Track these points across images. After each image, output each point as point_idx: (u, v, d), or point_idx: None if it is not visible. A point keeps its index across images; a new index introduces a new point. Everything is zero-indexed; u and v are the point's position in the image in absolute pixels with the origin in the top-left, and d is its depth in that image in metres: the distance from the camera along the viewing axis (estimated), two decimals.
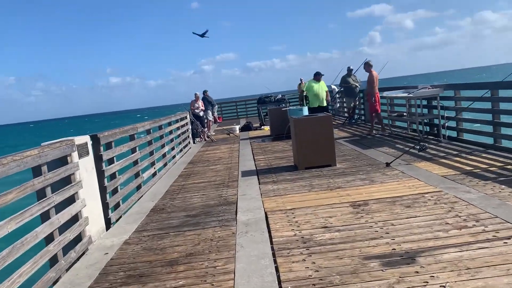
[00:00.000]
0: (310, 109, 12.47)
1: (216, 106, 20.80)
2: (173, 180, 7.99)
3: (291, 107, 13.12)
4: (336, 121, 16.47)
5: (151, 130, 8.50)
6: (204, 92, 18.28)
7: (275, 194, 5.96)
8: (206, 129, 18.24)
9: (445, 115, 8.85)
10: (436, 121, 9.37)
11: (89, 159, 5.19)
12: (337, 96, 18.37)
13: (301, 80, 23.02)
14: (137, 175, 7.13)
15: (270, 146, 11.38)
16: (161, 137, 9.61)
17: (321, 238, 4.05)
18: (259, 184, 6.75)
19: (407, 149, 7.84)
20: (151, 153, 8.32)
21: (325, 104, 12.65)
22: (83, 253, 4.49)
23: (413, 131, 10.64)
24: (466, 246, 3.51)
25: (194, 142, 14.62)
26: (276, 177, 7.10)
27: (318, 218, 4.67)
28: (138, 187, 7.08)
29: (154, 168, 8.19)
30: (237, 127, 17.14)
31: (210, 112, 18.10)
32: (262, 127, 17.07)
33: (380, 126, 11.29)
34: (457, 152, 7.44)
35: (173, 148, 10.69)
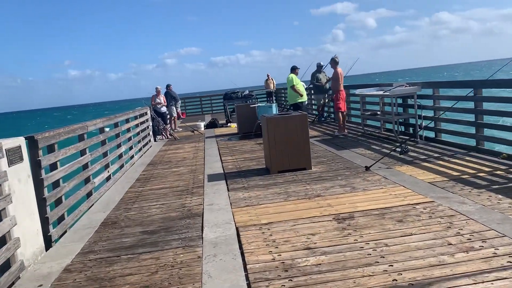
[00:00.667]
0: (295, 105, 11.84)
1: (180, 102, 19.81)
2: (129, 185, 7.13)
3: (260, 104, 12.44)
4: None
5: (105, 128, 7.57)
6: (167, 86, 17.28)
7: (247, 203, 5.25)
8: (169, 126, 17.29)
9: (423, 114, 8.41)
10: (412, 121, 8.94)
11: (24, 166, 4.28)
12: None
13: (268, 76, 22.38)
14: (87, 180, 6.23)
15: (238, 146, 10.65)
16: (117, 135, 8.68)
17: (306, 264, 3.37)
18: (228, 191, 6.02)
19: (387, 151, 7.32)
20: (105, 155, 7.41)
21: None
22: (12, 285, 3.62)
23: (387, 130, 10.21)
24: (480, 276, 2.93)
25: (155, 140, 13.68)
26: (247, 182, 6.39)
27: (299, 235, 4.00)
28: (89, 195, 6.18)
29: (108, 172, 7.28)
30: (202, 124, 16.30)
31: (174, 108, 17.14)
32: (229, 124, 16.31)
33: (338, 125, 10.77)
34: (438, 155, 6.98)
35: (131, 148, 9.77)
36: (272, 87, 21.91)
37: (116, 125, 8.73)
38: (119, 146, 8.64)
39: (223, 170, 7.63)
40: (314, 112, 16.70)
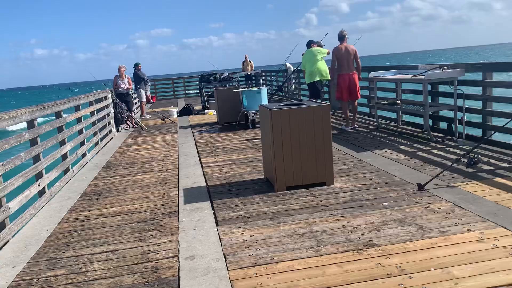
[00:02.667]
0: (312, 84, 9.45)
1: (150, 84, 17.33)
2: (70, 206, 4.89)
3: (246, 89, 10.24)
4: None
5: (35, 122, 5.25)
6: (136, 65, 14.81)
7: (254, 260, 3.13)
8: (136, 112, 14.88)
9: (465, 106, 6.47)
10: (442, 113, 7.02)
11: None
12: (293, 76, 15.74)
13: (245, 57, 20.10)
14: None
15: (220, 140, 8.49)
16: (60, 129, 6.37)
17: None
18: (217, 224, 3.89)
19: (450, 163, 5.30)
20: (36, 160, 5.12)
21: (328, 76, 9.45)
22: None
23: (406, 124, 8.26)
24: None
25: (117, 130, 11.33)
26: (244, 207, 4.27)
27: None
28: None
29: (39, 185, 5.01)
30: (175, 111, 14.00)
31: (142, 91, 14.72)
32: (206, 111, 14.07)
33: (344, 117, 8.73)
34: (507, 164, 5.04)
35: (82, 143, 7.46)
36: (250, 69, 19.71)
37: (58, 115, 6.40)
38: (62, 143, 6.35)
39: (205, 180, 5.48)
40: (302, 98, 14.65)
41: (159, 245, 3.53)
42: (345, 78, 8.15)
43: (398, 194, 4.30)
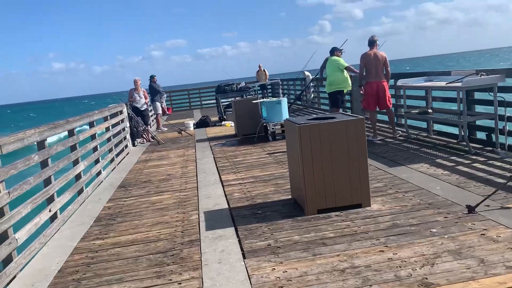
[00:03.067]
0: (340, 93, 9.05)
1: (165, 95, 17.11)
2: (83, 233, 4.53)
3: (265, 99, 9.85)
4: (310, 116, 13.40)
5: (46, 144, 4.92)
6: (151, 77, 14.59)
7: None
8: (152, 125, 14.62)
9: (506, 114, 5.94)
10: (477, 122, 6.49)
11: None
12: (311, 84, 15.31)
13: (259, 66, 19.71)
14: (3, 238, 3.64)
15: (240, 154, 8.09)
16: (73, 148, 6.06)
17: None
18: (244, 257, 3.47)
19: (501, 181, 4.80)
20: (47, 183, 4.79)
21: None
22: None
23: (438, 134, 7.74)
24: None
25: (134, 145, 11.04)
26: (272, 234, 3.84)
27: None
28: (5, 262, 3.59)
29: (50, 211, 4.67)
30: (191, 123, 13.68)
31: (158, 104, 14.47)
32: (223, 122, 13.71)
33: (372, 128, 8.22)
34: None
35: (97, 161, 7.15)
36: (265, 79, 19.27)
37: (70, 133, 6.09)
38: (76, 163, 6.03)
39: (227, 202, 5.07)
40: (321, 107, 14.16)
41: (180, 284, 3.12)
42: (373, 86, 7.70)
43: (445, 217, 3.82)
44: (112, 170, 7.99)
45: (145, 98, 12.24)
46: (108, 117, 8.63)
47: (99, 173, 7.13)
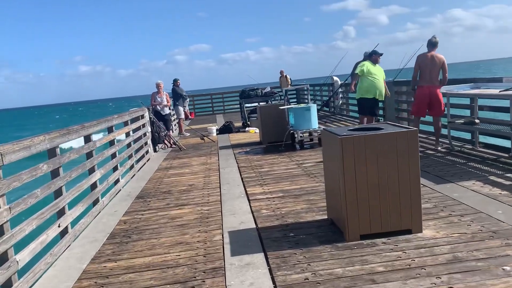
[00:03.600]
0: (364, 100, 8.60)
1: (188, 100, 16.77)
2: (93, 253, 4.06)
3: (293, 105, 9.30)
4: (338, 122, 12.79)
5: (58, 151, 4.49)
6: (174, 81, 14.26)
7: None
8: (174, 130, 14.25)
9: None
10: None
11: None
12: (340, 90, 14.68)
13: (281, 72, 19.13)
14: (1, 260, 3.19)
15: (266, 164, 7.56)
16: (89, 156, 5.63)
17: None
18: None
19: None
20: (58, 194, 4.36)
21: (383, 98, 8.72)
22: None
23: (485, 146, 7.03)
24: None
25: (155, 151, 10.64)
26: (310, 267, 3.27)
27: None
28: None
29: (59, 226, 4.22)
30: (214, 129, 13.22)
31: (181, 108, 14.10)
32: (247, 129, 13.22)
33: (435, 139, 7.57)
34: None
35: (115, 168, 6.74)
36: (287, 85, 18.63)
37: (87, 139, 5.68)
38: (92, 171, 5.61)
39: (254, 220, 4.53)
40: (349, 114, 13.52)
41: None
42: (425, 91, 7.08)
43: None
44: (131, 178, 7.57)
45: (168, 102, 11.85)
46: (129, 121, 8.23)
47: (117, 181, 6.71)
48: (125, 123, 8.11)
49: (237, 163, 7.96)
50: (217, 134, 13.04)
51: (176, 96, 14.10)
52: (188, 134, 13.65)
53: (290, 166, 7.16)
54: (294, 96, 22.47)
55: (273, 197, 5.34)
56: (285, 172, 6.76)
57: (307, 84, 9.87)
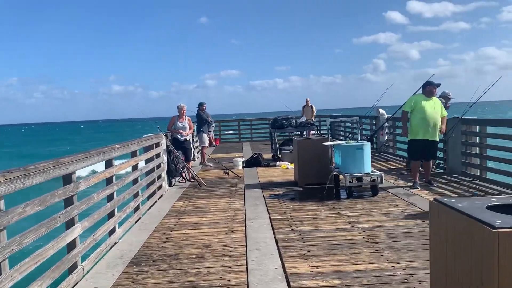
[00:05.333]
0: (414, 142, 7.52)
1: (214, 125, 15.20)
2: None
3: (342, 142, 7.53)
4: (385, 162, 10.89)
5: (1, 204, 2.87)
6: (200, 105, 12.78)
7: None
8: (195, 160, 12.65)
9: None
10: None
11: None
12: (386, 125, 12.82)
13: (307, 101, 17.37)
14: None
15: (306, 217, 5.78)
16: (68, 203, 4.00)
17: None
18: None
19: None
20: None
21: (437, 137, 7.54)
22: None
23: None
24: None
25: (170, 185, 9.02)
26: None
27: None
28: None
29: None
30: (240, 161, 11.55)
31: (205, 135, 12.55)
32: (278, 163, 11.48)
33: None
34: None
35: (111, 215, 5.11)
36: (311, 116, 16.73)
37: (66, 180, 4.06)
38: (70, 225, 3.98)
39: None
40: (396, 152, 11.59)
41: None
42: None
43: None
44: (134, 223, 5.93)
45: (190, 128, 10.28)
46: (137, 152, 6.65)
47: (112, 232, 5.07)
48: (133, 154, 6.53)
49: (269, 213, 6.22)
50: (243, 167, 11.36)
51: (201, 121, 12.59)
52: (211, 165, 12.03)
53: (341, 225, 5.36)
54: (324, 128, 20.66)
55: (327, 276, 3.55)
56: (336, 235, 4.95)
57: (357, 117, 8.11)
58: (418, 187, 7.45)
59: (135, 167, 6.54)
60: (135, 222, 6.08)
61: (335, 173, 7.45)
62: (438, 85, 7.62)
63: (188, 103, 10.66)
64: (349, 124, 17.88)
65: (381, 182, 7.03)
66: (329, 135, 8.60)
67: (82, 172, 5.04)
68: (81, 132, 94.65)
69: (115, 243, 5.10)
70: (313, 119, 16.63)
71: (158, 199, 7.67)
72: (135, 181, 6.43)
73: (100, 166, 5.51)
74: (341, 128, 18.45)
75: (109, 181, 5.28)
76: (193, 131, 13.44)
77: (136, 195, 6.34)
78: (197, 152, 13.93)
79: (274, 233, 5.17)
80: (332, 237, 4.89)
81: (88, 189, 4.53)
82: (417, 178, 7.64)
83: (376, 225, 5.30)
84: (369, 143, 7.24)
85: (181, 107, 10.21)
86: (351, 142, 7.40)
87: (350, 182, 6.96)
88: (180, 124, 10.01)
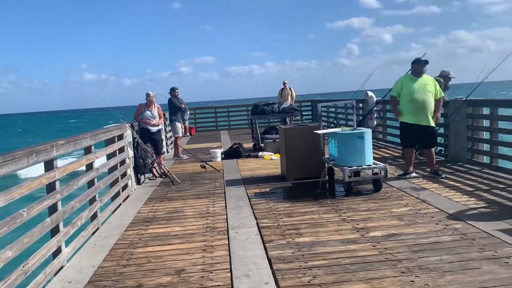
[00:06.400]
0: (404, 127, 6.70)
1: (188, 113, 13.88)
2: None
3: (336, 130, 6.44)
4: (377, 150, 9.93)
5: None
6: (172, 90, 11.49)
7: None
8: (168, 152, 11.42)
9: None
10: None
11: None
12: (376, 109, 11.84)
13: (284, 84, 16.16)
14: None
15: (301, 222, 4.71)
16: None
17: None
18: None
19: None
20: None
21: (432, 122, 6.62)
22: None
23: None
24: None
25: (138, 183, 7.80)
26: None
27: None
28: None
29: None
30: (219, 152, 10.38)
31: (179, 125, 11.28)
32: (260, 153, 10.37)
33: None
34: None
35: (54, 231, 3.89)
36: (290, 101, 15.41)
37: None
38: None
39: None
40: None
41: None
42: None
43: None
44: (88, 239, 4.73)
45: (160, 117, 9.02)
46: (92, 147, 5.40)
47: (57, 253, 3.88)
48: (86, 151, 5.29)
49: (256, 218, 5.12)
50: (222, 159, 10.21)
51: (174, 109, 11.31)
52: (186, 157, 10.81)
53: (348, 235, 4.30)
54: (310, 114, 19.67)
55: None
56: (345, 250, 3.88)
57: (352, 100, 7.03)
58: (413, 175, 6.63)
59: (89, 167, 5.31)
60: (92, 234, 4.90)
61: (331, 166, 6.40)
62: (426, 62, 6.68)
63: (165, 90, 9.37)
64: (333, 109, 16.89)
65: (386, 176, 6.02)
66: (321, 122, 7.49)
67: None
68: (54, 122, 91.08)
69: (60, 268, 3.92)
70: (293, 103, 15.51)
71: (123, 201, 6.47)
72: (90, 183, 5.21)
73: (40, 169, 4.26)
74: (323, 114, 17.39)
75: (50, 188, 4.06)
76: (165, 119, 12.21)
77: (92, 201, 5.13)
78: (170, 143, 12.68)
79: (265, 249, 4.08)
80: (340, 253, 3.82)
81: (12, 204, 3.30)
82: (410, 168, 6.73)
83: (391, 232, 4.28)
84: (370, 130, 6.18)
85: (148, 94, 8.90)
86: (348, 130, 6.34)
87: (349, 176, 5.91)
88: (148, 113, 8.73)
